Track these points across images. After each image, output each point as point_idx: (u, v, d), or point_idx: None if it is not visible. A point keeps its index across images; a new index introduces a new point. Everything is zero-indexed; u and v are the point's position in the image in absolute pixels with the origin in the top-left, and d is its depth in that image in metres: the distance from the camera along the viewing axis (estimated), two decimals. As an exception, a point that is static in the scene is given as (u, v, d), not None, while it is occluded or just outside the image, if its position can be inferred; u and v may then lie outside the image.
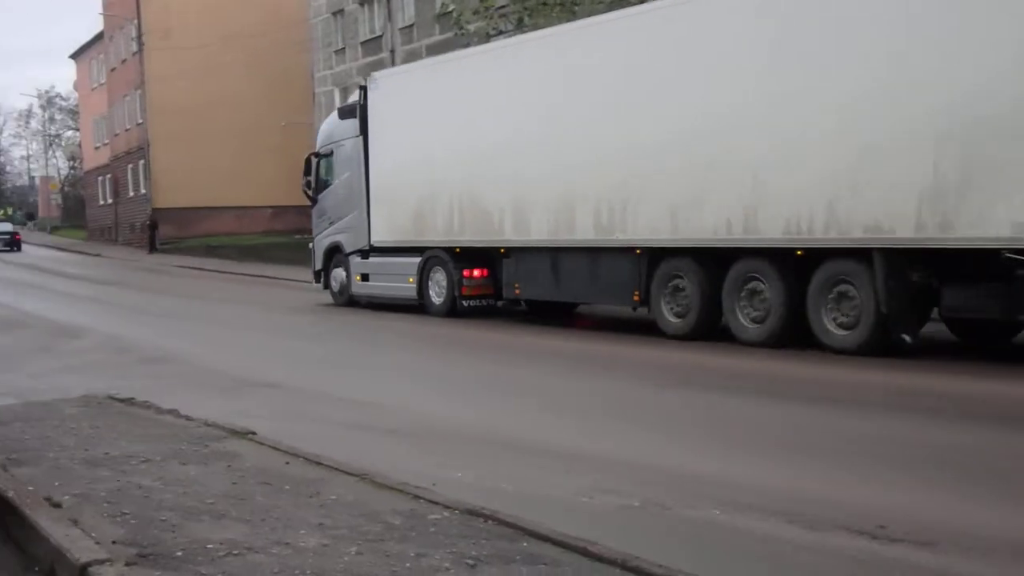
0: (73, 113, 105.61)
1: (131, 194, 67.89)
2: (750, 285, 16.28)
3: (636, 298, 18.14)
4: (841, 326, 15.06)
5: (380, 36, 47.77)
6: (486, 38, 30.82)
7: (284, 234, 55.32)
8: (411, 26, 45.16)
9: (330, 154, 25.88)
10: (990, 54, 12.67)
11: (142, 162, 64.69)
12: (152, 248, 59.28)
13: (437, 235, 22.32)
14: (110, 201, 73.11)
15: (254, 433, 9.15)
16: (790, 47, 15.02)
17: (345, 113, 25.51)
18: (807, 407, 11.40)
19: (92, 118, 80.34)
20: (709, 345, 16.65)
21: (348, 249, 25.40)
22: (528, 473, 8.31)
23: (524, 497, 7.44)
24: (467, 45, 29.28)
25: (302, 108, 56.35)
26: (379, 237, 24.05)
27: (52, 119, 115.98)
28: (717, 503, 7.34)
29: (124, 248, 65.66)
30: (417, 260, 23.11)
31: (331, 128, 26.16)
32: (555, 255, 19.62)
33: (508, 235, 20.46)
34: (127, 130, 68.37)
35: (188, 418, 10.05)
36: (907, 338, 14.38)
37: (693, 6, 16.61)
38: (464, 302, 22.14)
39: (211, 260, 48.90)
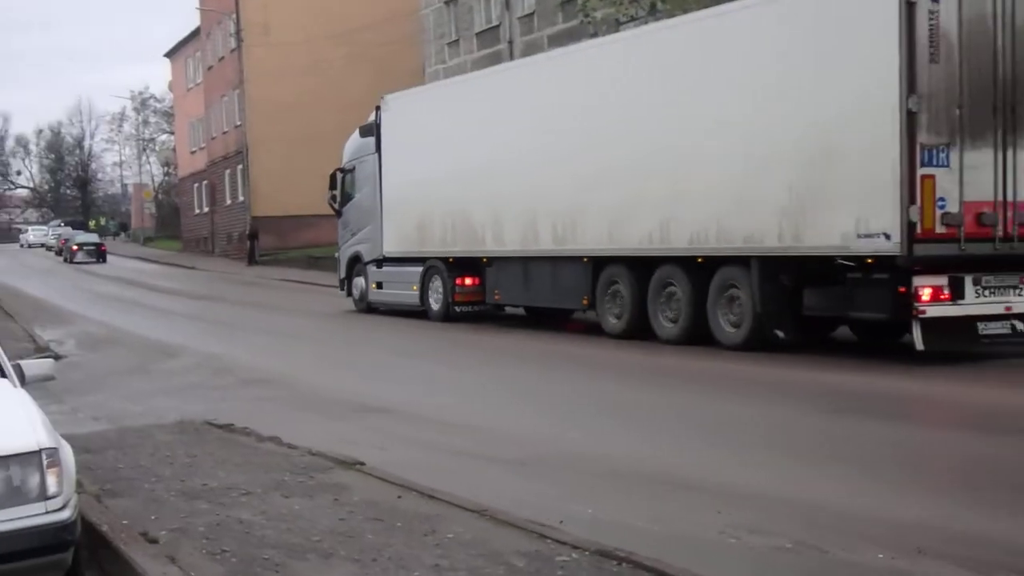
0: (168, 116, 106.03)
1: (228, 202, 68.67)
2: (667, 289, 20.44)
3: (585, 302, 22.44)
4: (731, 324, 19.11)
5: (497, 26, 47.82)
6: (615, 26, 30.78)
7: None
8: (531, 15, 45.20)
9: (352, 170, 30.15)
10: (830, 98, 17.14)
11: (240, 167, 65.00)
12: (251, 260, 59.73)
13: (435, 246, 26.52)
14: (206, 209, 73.85)
15: (362, 463, 9.21)
16: (685, 94, 19.73)
17: (365, 131, 29.64)
18: (975, 437, 11.14)
19: (188, 121, 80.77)
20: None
21: (366, 259, 29.58)
22: (665, 508, 8.20)
23: (662, 536, 7.35)
24: (595, 35, 29.31)
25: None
26: (389, 248, 28.27)
27: (146, 122, 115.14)
28: (880, 545, 7.17)
29: (221, 260, 66.14)
30: (419, 269, 27.31)
31: (354, 145, 30.33)
32: (525, 264, 23.98)
33: (489, 246, 24.79)
34: (224, 133, 68.94)
35: (291, 446, 10.16)
36: (780, 334, 18.46)
37: (603, 56, 21.89)
38: (456, 308, 26.20)
39: (312, 272, 49.22)
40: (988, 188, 16.51)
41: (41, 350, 21.06)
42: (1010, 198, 16.61)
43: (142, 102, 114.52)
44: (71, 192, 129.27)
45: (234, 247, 66.66)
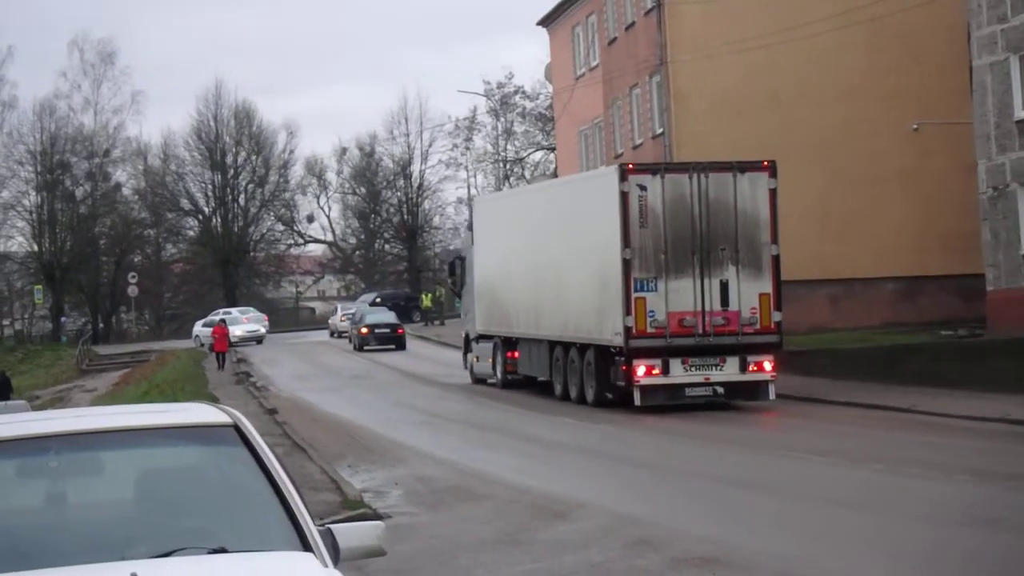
0: (544, 121, 76.08)
1: None
2: (574, 364, 29.35)
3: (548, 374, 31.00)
4: (592, 389, 28.43)
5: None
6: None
7: (917, 327, 36.83)
8: None
9: (464, 259, 38.01)
10: (600, 247, 27.50)
11: None
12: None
13: (497, 327, 34.17)
14: None
15: None
16: (546, 232, 30.83)
17: (468, 227, 39.52)
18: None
19: (577, 128, 52.25)
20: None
21: (472, 337, 36.64)
22: None
23: None
24: None
25: (945, 97, 38.38)
26: (479, 327, 35.41)
27: (508, 133, 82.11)
28: None
29: None
30: (490, 345, 34.81)
31: (466, 237, 40.14)
32: (527, 343, 32.29)
33: (514, 328, 33.09)
34: (636, 147, 43.96)
35: None
36: (608, 395, 27.78)
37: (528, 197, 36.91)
38: (508, 376, 33.65)
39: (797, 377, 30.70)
40: (689, 303, 26.61)
41: (353, 505, 15.98)
42: (707, 309, 26.62)
43: (502, 100, 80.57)
44: (392, 247, 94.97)
45: None
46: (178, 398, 30.73)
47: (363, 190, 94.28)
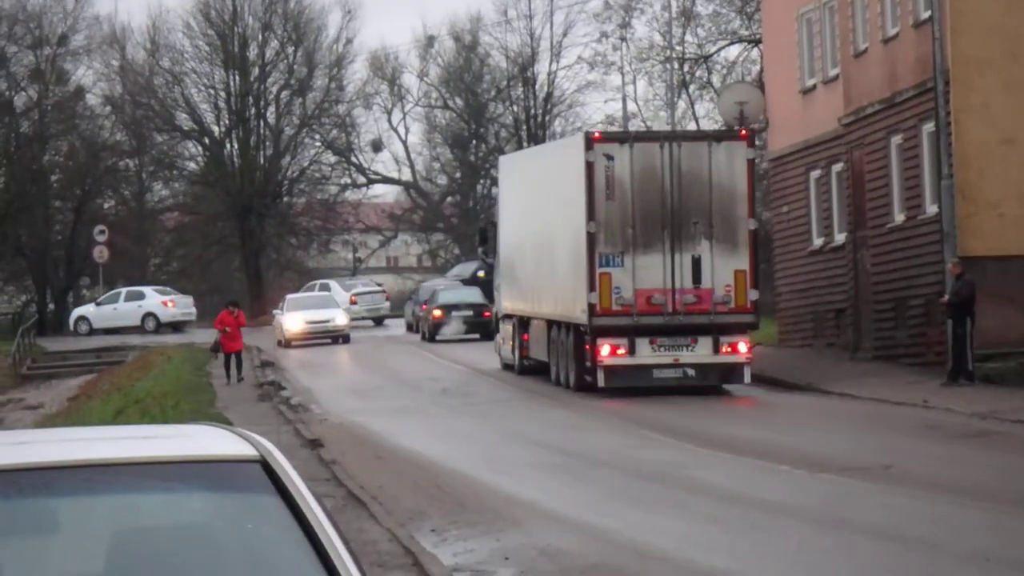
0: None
1: (900, 218, 29.51)
2: (563, 344, 27.90)
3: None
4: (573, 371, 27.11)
5: None
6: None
7: None
8: None
9: (496, 224, 33.88)
10: (573, 221, 26.47)
11: (927, 129, 27.93)
12: (959, 369, 24.72)
13: (513, 305, 31.51)
14: (840, 239, 32.92)
15: None
16: (541, 201, 29.59)
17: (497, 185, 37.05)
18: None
19: (796, 9, 35.48)
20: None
21: (500, 316, 33.13)
22: None
23: None
24: None
25: None
26: (502, 306, 32.58)
27: (687, 13, 52.81)
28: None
29: (883, 368, 28.64)
30: (511, 326, 31.58)
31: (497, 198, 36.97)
32: (535, 323, 29.77)
33: (525, 306, 30.61)
34: (888, 39, 29.40)
35: None
36: (587, 378, 26.18)
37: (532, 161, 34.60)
38: (524, 361, 30.81)
39: None
40: (659, 280, 25.62)
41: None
42: (678, 286, 25.57)
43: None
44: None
45: (913, 334, 29.15)
46: (170, 421, 20.38)
47: (459, 102, 65.47)
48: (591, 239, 25.67)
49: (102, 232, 55.77)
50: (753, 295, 25.77)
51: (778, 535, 13.53)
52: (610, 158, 25.56)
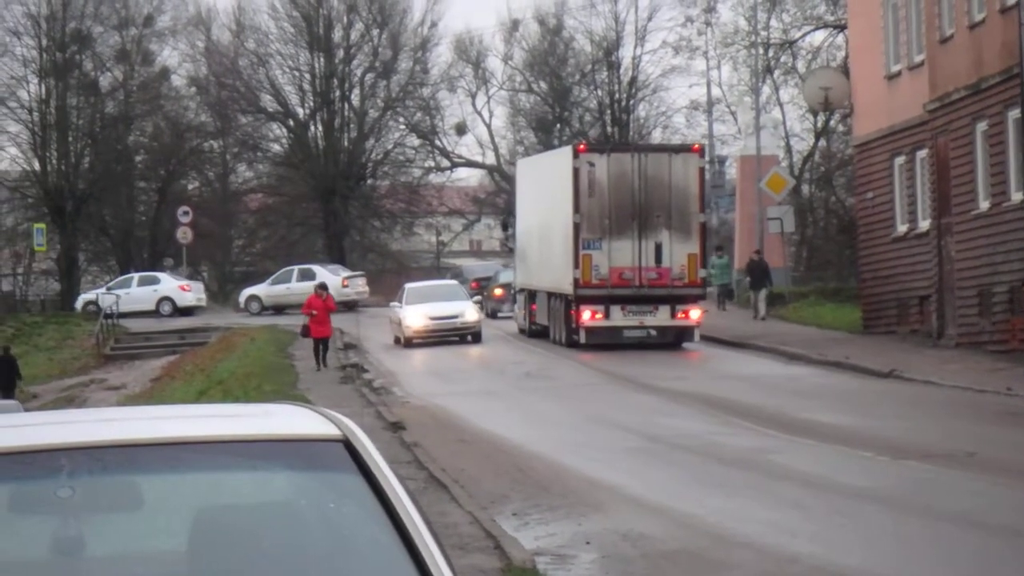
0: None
1: (982, 209, 28.80)
2: (558, 311, 34.19)
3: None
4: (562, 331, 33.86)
5: None
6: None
7: None
8: None
9: (515, 217, 41.07)
10: (563, 213, 33.30)
11: (1013, 116, 27.31)
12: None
13: (525, 281, 38.08)
14: (924, 225, 32.38)
15: None
16: (542, 197, 36.34)
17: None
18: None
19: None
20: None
21: (516, 291, 40.11)
22: None
23: None
24: None
25: None
26: (517, 282, 39.63)
27: None
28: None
29: (966, 355, 27.95)
30: (523, 298, 38.09)
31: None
32: (541, 295, 35.92)
33: (533, 281, 36.94)
34: (975, 25, 28.75)
35: None
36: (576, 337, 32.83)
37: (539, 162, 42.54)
38: (532, 326, 36.64)
39: None
40: (629, 259, 32.19)
41: (521, 573, 11.25)
42: (643, 265, 32.05)
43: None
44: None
45: (997, 321, 28.14)
46: (253, 401, 18.95)
47: (544, 86, 65.25)
48: (576, 227, 32.56)
49: (186, 213, 55.59)
50: (702, 273, 33.26)
51: (862, 522, 13.27)
52: (592, 164, 32.80)
